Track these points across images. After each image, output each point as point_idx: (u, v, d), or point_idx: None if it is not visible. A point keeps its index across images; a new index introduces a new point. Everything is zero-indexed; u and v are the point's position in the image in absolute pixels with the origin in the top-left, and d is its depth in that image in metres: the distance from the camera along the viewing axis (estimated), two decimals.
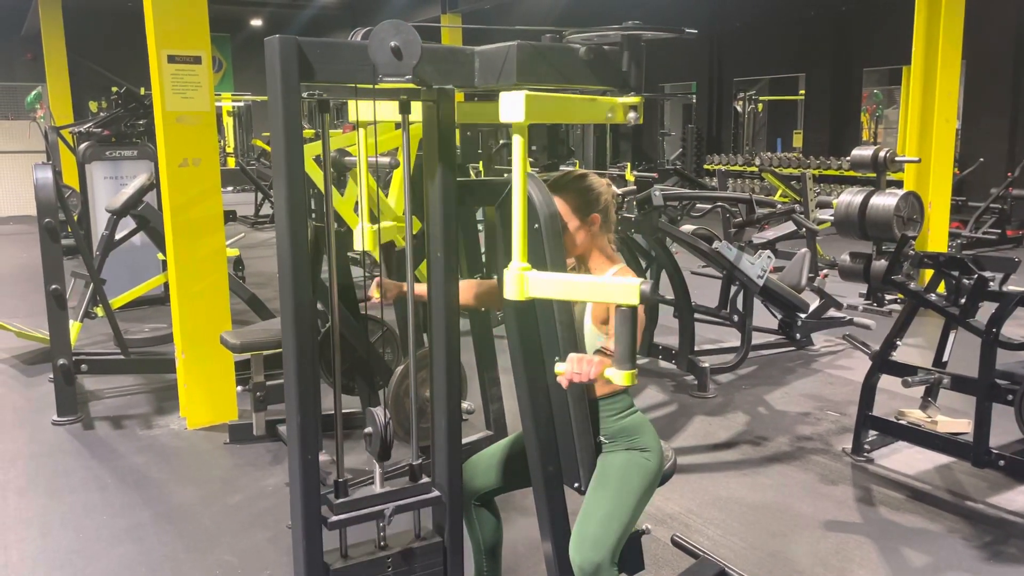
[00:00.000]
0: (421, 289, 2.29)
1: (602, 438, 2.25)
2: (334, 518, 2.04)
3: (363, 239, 2.50)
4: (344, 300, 3.87)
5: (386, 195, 4.69)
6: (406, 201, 2.03)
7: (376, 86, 1.88)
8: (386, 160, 3.40)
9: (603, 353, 1.98)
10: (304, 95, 2.00)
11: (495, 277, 2.56)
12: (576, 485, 2.22)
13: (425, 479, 2.19)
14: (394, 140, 4.17)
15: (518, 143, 1.81)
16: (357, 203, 5.08)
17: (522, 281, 1.86)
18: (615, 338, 1.81)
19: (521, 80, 1.92)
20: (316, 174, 4.54)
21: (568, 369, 1.87)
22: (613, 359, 1.83)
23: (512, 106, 1.77)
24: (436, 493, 2.18)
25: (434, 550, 2.19)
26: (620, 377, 1.82)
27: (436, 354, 2.16)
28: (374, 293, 2.44)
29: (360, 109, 2.11)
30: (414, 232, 2.21)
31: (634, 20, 2.18)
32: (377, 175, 3.17)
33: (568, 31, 2.08)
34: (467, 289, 2.50)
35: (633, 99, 2.01)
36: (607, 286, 1.84)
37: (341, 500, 2.07)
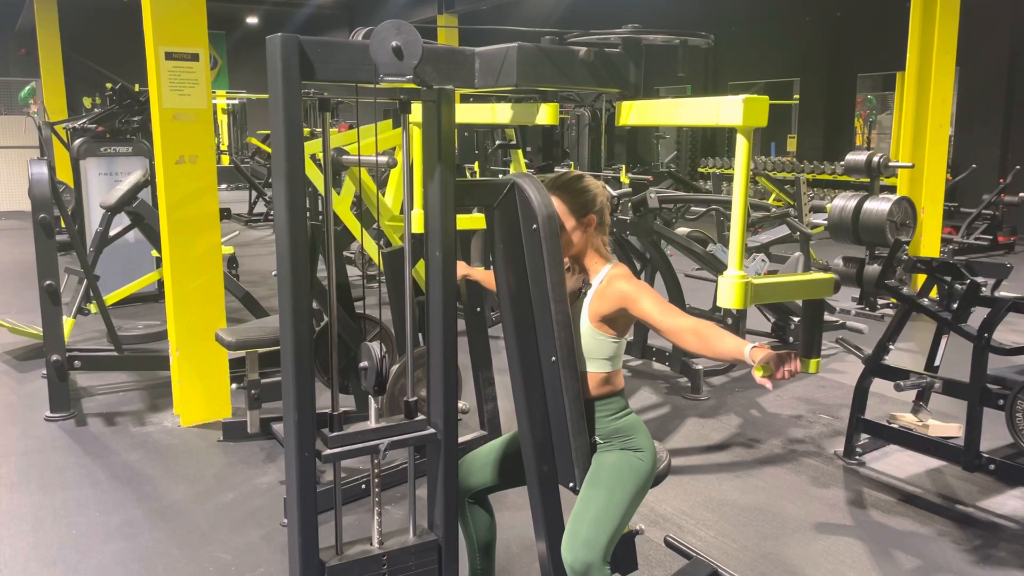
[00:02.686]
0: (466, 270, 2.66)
1: (596, 438, 2.26)
2: (328, 451, 2.01)
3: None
4: (339, 299, 3.88)
5: (383, 194, 4.70)
6: (405, 199, 2.03)
7: (377, 86, 1.89)
8: (384, 159, 3.41)
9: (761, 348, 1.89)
10: None
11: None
12: (571, 485, 2.23)
13: (420, 416, 2.16)
14: (392, 139, 4.18)
15: (742, 144, 1.81)
16: (353, 202, 5.08)
17: (741, 289, 1.81)
18: (805, 328, 1.84)
19: (521, 81, 1.94)
20: (312, 173, 4.54)
21: (778, 370, 1.82)
22: (802, 349, 1.84)
23: (732, 110, 1.81)
24: (431, 430, 2.15)
25: (429, 548, 2.20)
26: (809, 365, 1.83)
27: (433, 343, 2.17)
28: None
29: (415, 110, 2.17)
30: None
31: (632, 23, 2.20)
32: (374, 174, 3.18)
33: (572, 33, 2.09)
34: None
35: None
36: (809, 282, 1.85)
37: (336, 433, 2.02)
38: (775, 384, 1.83)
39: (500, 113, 2.54)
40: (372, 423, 2.10)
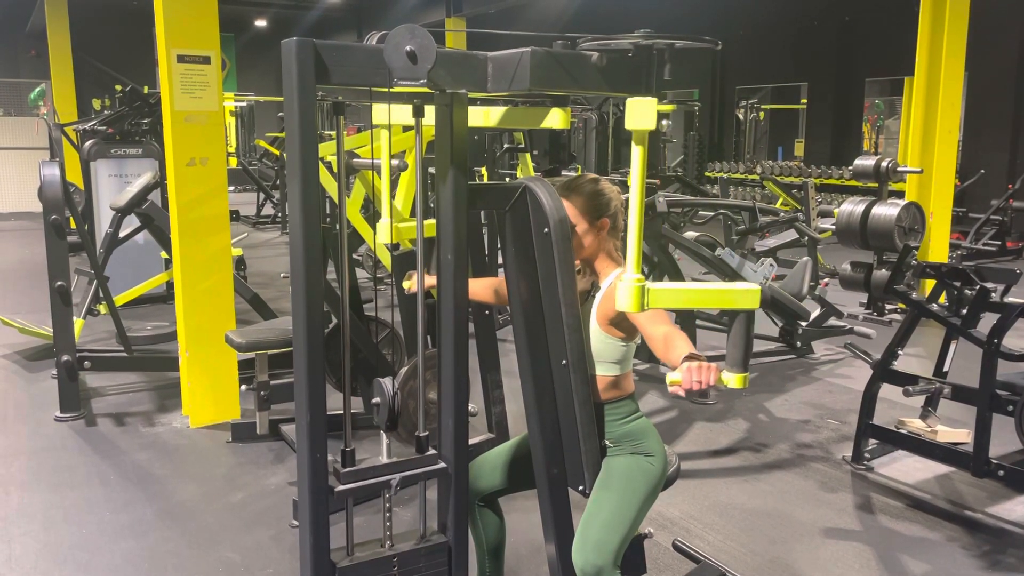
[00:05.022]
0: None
1: (607, 442, 2.26)
2: (340, 487, 2.02)
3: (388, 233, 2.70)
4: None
5: (392, 197, 4.71)
6: (418, 202, 2.04)
7: (391, 90, 1.90)
8: (394, 163, 3.42)
9: (693, 358, 1.86)
10: None
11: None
12: (580, 488, 2.24)
13: (431, 451, 2.18)
14: (403, 143, 4.19)
15: (638, 153, 1.77)
16: (362, 205, 5.10)
17: (638, 293, 1.79)
18: (732, 341, 1.78)
19: (534, 86, 1.94)
20: (322, 176, 4.55)
21: (687, 379, 1.81)
22: (728, 362, 1.81)
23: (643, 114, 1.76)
24: (442, 464, 2.17)
25: (439, 549, 2.21)
26: (734, 380, 1.80)
27: (444, 350, 2.18)
28: (409, 285, 2.60)
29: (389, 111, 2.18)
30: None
31: (643, 28, 2.20)
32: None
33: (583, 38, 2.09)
34: (488, 286, 2.59)
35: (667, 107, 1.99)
36: (728, 292, 1.79)
37: (348, 469, 2.04)
38: (688, 395, 1.82)
39: (509, 117, 2.54)
40: (384, 458, 2.13)
